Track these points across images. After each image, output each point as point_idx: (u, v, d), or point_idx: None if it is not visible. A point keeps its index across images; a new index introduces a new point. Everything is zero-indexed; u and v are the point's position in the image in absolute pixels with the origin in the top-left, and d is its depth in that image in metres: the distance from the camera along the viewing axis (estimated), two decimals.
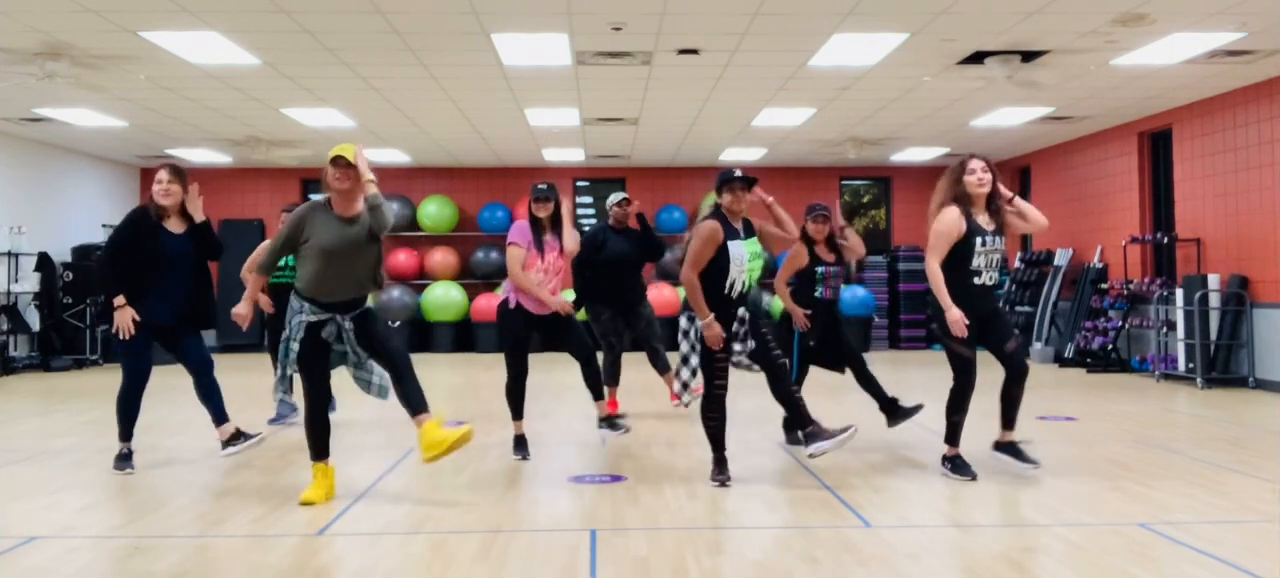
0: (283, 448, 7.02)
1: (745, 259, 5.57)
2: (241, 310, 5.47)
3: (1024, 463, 5.85)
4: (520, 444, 6.61)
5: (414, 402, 5.29)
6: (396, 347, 5.43)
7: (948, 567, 4.14)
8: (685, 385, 5.79)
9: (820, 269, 7.00)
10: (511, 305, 6.42)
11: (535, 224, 6.46)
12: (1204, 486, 5.63)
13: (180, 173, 6.22)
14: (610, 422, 6.57)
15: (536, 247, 6.39)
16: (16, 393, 10.91)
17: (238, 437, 6.34)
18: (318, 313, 5.23)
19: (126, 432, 6.27)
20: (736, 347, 5.59)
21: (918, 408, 6.85)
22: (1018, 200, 6.02)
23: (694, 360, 5.64)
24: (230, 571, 4.13)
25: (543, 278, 6.39)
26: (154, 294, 6.09)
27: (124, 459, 6.24)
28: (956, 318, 5.60)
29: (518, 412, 6.58)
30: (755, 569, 4.11)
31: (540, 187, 6.49)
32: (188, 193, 6.20)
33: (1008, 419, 5.90)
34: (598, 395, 6.55)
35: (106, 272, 6.12)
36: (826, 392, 9.18)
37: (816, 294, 7.00)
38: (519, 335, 6.44)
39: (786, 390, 5.72)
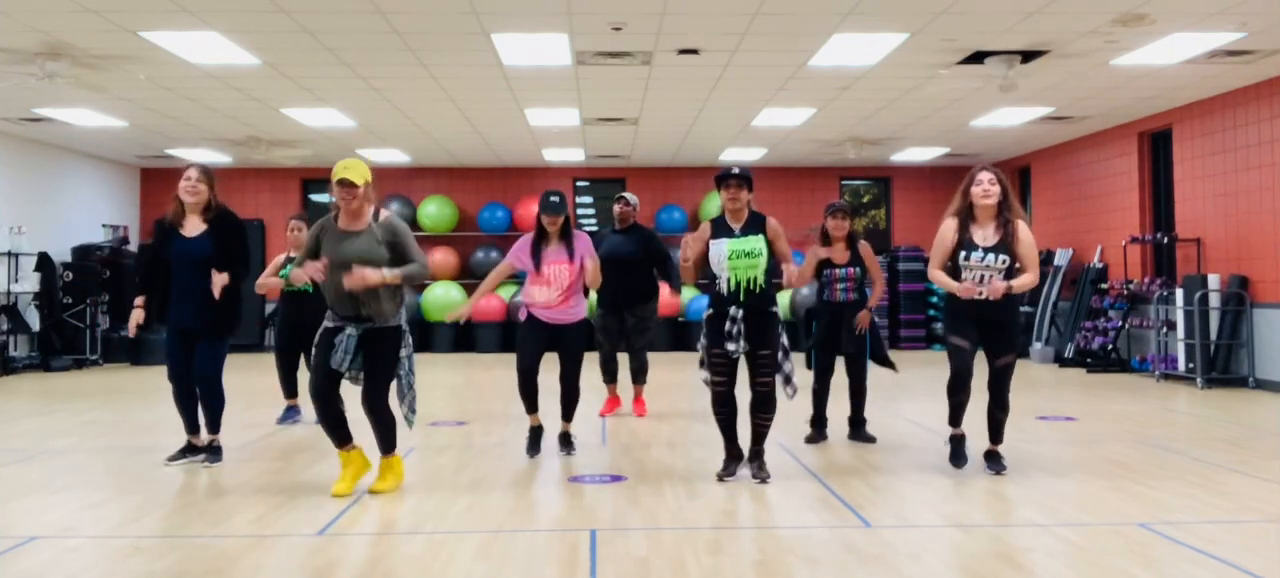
0: (283, 448, 7.02)
1: (724, 256, 5.55)
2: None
3: (992, 468, 5.92)
4: (535, 438, 6.65)
5: (382, 441, 5.53)
6: (378, 393, 5.44)
7: (948, 567, 4.14)
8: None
9: (825, 272, 6.95)
10: (524, 318, 6.56)
11: (541, 237, 6.44)
12: (1204, 486, 5.63)
13: (210, 174, 6.24)
14: (566, 439, 6.74)
15: (535, 261, 6.40)
16: (16, 393, 10.90)
17: (212, 450, 6.37)
18: (334, 320, 5.38)
19: (188, 426, 6.34)
20: (729, 346, 5.56)
21: (872, 439, 7.04)
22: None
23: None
24: (230, 571, 4.12)
25: (546, 290, 6.39)
26: (175, 298, 6.15)
27: (185, 452, 6.36)
28: (965, 288, 5.67)
29: (531, 407, 6.58)
30: (755, 569, 4.11)
31: (552, 199, 6.40)
32: (215, 194, 6.21)
33: (991, 436, 6.01)
34: (564, 417, 6.75)
35: (139, 274, 6.29)
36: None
37: (824, 297, 6.97)
38: (527, 337, 6.49)
39: (765, 419, 5.73)
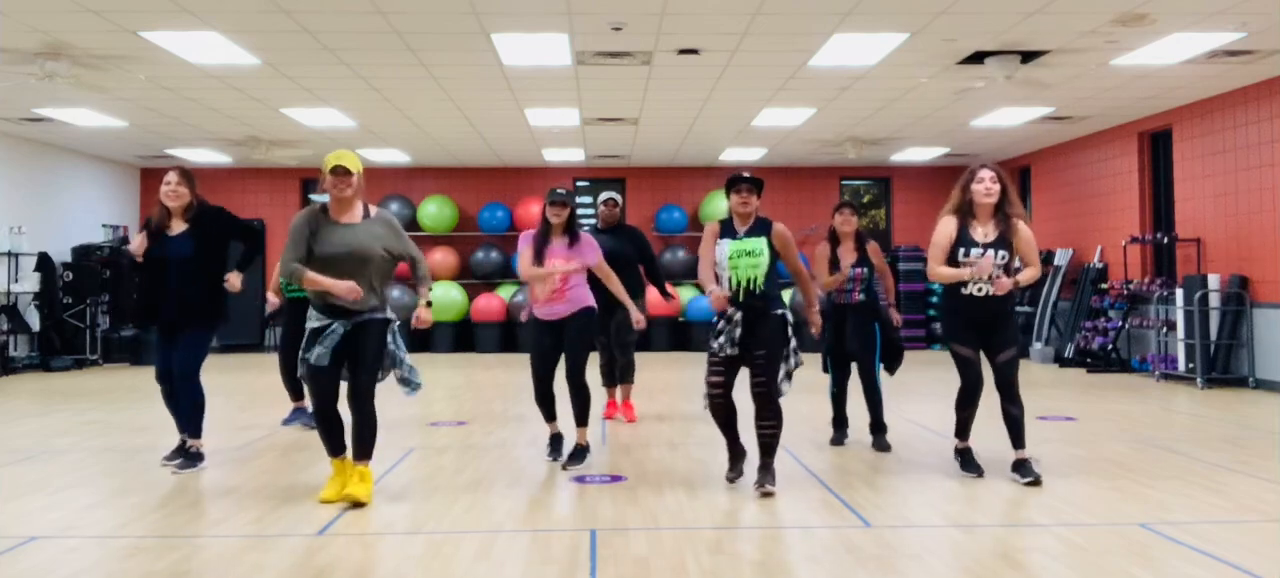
0: (283, 448, 7.03)
1: (725, 256, 5.51)
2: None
3: (1025, 478, 5.74)
4: (555, 444, 6.52)
5: (360, 444, 5.26)
6: (366, 383, 5.27)
7: (948, 567, 4.14)
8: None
9: (832, 273, 6.87)
10: (525, 319, 6.51)
11: (545, 229, 6.38)
12: (1204, 486, 5.63)
13: (189, 176, 6.26)
14: (575, 453, 6.35)
15: (537, 253, 6.32)
16: (16, 393, 10.90)
17: (189, 455, 6.25)
18: (320, 318, 5.26)
19: (180, 426, 6.33)
20: (713, 344, 5.51)
21: (887, 449, 6.81)
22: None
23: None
24: (230, 571, 4.13)
25: (544, 285, 6.33)
26: (160, 297, 6.17)
27: (179, 452, 6.31)
28: (970, 270, 5.66)
29: (548, 415, 6.51)
30: (755, 569, 4.11)
31: (558, 191, 6.35)
32: (196, 194, 6.24)
33: (1013, 439, 5.81)
34: (578, 422, 6.39)
35: (135, 278, 6.48)
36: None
37: (831, 298, 6.89)
38: (536, 343, 6.39)
39: (768, 427, 5.54)
